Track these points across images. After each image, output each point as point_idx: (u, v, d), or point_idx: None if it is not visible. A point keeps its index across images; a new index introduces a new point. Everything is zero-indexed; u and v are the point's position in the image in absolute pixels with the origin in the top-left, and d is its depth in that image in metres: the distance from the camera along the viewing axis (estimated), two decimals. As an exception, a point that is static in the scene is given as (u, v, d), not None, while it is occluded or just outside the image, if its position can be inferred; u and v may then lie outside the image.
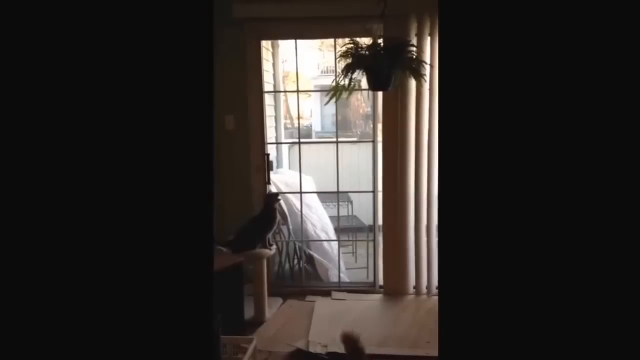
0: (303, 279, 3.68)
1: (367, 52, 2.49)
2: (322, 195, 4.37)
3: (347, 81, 2.51)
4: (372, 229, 3.74)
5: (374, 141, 3.51)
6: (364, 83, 2.69)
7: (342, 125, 6.86)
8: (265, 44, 3.72)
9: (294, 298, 3.37)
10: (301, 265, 3.77)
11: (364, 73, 2.54)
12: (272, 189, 3.51)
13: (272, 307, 3.18)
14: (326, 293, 3.42)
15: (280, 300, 3.32)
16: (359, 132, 7.70)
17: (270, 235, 3.13)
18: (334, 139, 3.73)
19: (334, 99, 2.68)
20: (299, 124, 4.24)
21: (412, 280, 3.37)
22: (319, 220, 3.94)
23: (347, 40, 2.58)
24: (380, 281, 3.49)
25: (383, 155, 3.32)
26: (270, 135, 3.72)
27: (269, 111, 3.67)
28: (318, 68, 8.14)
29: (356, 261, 4.40)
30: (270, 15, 3.16)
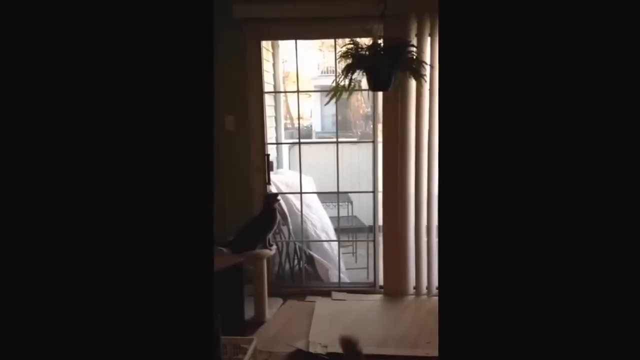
0: (303, 279, 3.68)
1: (367, 53, 2.49)
2: (322, 195, 4.37)
3: (347, 81, 2.51)
4: (372, 229, 3.74)
5: (374, 141, 3.51)
6: (364, 83, 2.69)
7: (342, 126, 6.87)
8: (266, 44, 3.72)
9: (294, 298, 3.37)
10: (301, 266, 3.77)
11: (364, 73, 2.54)
12: (273, 189, 3.51)
13: (273, 308, 3.18)
14: (326, 293, 3.42)
15: (280, 300, 3.32)
16: (359, 133, 7.70)
17: (270, 235, 3.13)
18: (334, 139, 3.73)
19: (334, 100, 2.68)
20: (299, 124, 4.24)
21: (412, 281, 3.37)
22: (319, 220, 3.94)
23: (347, 40, 2.58)
24: (381, 281, 3.49)
25: (383, 155, 3.32)
26: (270, 135, 3.72)
27: (269, 111, 3.67)
28: (318, 68, 8.14)
29: (356, 261, 4.40)
30: (270, 15, 3.17)
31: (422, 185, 3.26)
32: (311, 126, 8.44)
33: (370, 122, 3.76)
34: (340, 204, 3.92)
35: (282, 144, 4.53)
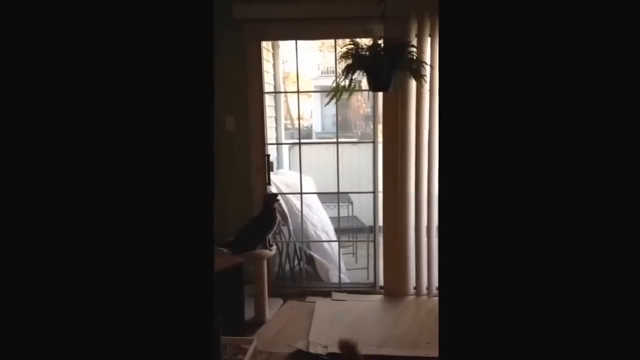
0: (303, 279, 3.68)
1: (367, 53, 2.49)
2: (323, 195, 4.36)
3: (347, 82, 2.51)
4: (372, 229, 3.74)
5: (374, 142, 3.51)
6: (365, 84, 2.69)
7: (342, 126, 6.87)
8: (266, 45, 3.72)
9: (294, 299, 3.37)
10: (301, 266, 3.77)
11: (365, 74, 2.54)
12: (273, 189, 3.51)
13: (273, 308, 3.18)
14: (326, 294, 3.42)
15: (280, 301, 3.32)
16: (359, 133, 7.70)
17: (270, 235, 3.13)
18: (335, 140, 3.73)
19: (334, 100, 2.68)
20: (299, 124, 4.24)
21: (412, 281, 3.37)
22: (319, 220, 3.94)
23: (347, 41, 2.58)
24: (381, 282, 3.49)
25: (383, 156, 3.32)
26: (270, 136, 3.72)
27: (269, 112, 3.67)
28: (318, 69, 8.15)
29: (356, 262, 4.40)
30: (270, 16, 3.17)
31: (422, 185, 3.26)
32: (311, 126, 8.45)
33: (371, 123, 3.76)
34: (341, 204, 3.92)
35: (282, 144, 4.53)
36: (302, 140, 3.86)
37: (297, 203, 3.74)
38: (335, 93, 2.62)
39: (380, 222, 3.45)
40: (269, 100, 3.75)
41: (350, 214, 4.69)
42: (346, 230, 4.38)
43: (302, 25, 3.25)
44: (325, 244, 3.84)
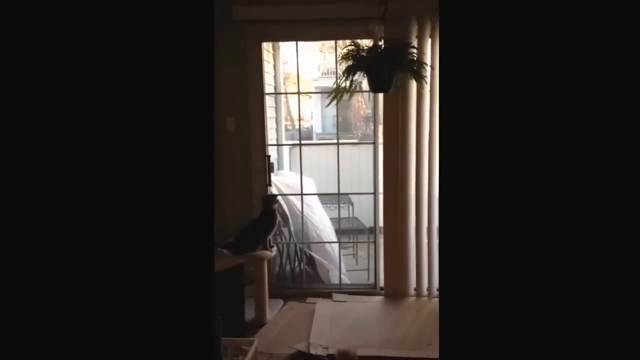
0: (304, 280, 3.67)
1: (368, 54, 2.49)
2: (323, 197, 4.36)
3: (348, 83, 2.51)
4: (373, 230, 3.74)
5: (374, 143, 3.50)
6: (365, 85, 2.69)
7: (343, 127, 6.87)
8: (266, 46, 3.72)
9: (294, 300, 3.36)
10: (302, 267, 3.76)
11: (365, 75, 2.54)
12: (273, 190, 3.51)
13: (273, 309, 3.18)
14: (327, 295, 3.42)
15: (281, 302, 3.32)
16: (359, 134, 7.71)
17: (270, 237, 3.13)
18: (335, 141, 3.73)
19: (335, 101, 2.68)
20: (299, 125, 4.24)
21: (413, 282, 3.37)
22: (320, 221, 3.94)
23: (348, 42, 2.58)
24: (381, 283, 3.49)
25: (384, 156, 3.32)
26: (271, 136, 3.71)
27: (269, 113, 3.67)
28: (319, 70, 8.16)
29: (357, 263, 4.39)
30: (270, 17, 3.17)
31: (423, 186, 3.25)
32: (312, 127, 8.46)
33: (371, 124, 3.76)
34: (341, 205, 3.92)
35: (282, 145, 4.53)
36: (302, 141, 3.86)
37: (298, 204, 3.74)
38: (336, 94, 2.62)
39: (381, 223, 3.45)
40: (269, 101, 3.75)
41: (351, 215, 4.69)
42: (347, 231, 4.38)
43: (302, 26, 3.25)
44: (326, 245, 3.84)
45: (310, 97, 8.14)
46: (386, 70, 2.48)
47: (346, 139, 6.53)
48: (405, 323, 2.99)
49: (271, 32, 3.35)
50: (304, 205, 3.74)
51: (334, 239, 3.97)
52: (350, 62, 2.49)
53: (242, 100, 3.30)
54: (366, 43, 2.67)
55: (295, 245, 3.78)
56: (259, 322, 3.01)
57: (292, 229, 3.73)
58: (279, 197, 3.46)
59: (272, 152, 3.66)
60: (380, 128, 3.43)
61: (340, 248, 3.87)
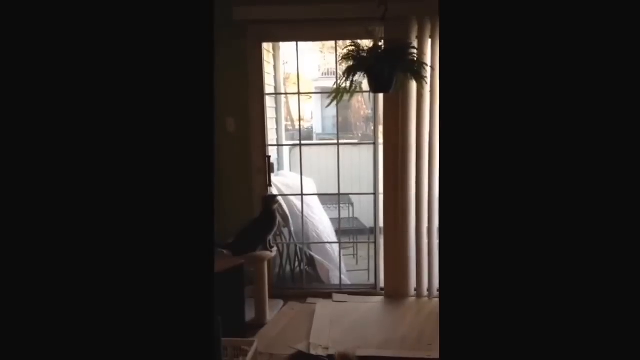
0: (304, 281, 3.67)
1: (368, 55, 2.49)
2: (323, 197, 4.36)
3: (348, 83, 2.51)
4: (373, 231, 3.74)
5: (374, 143, 3.51)
6: (365, 85, 2.69)
7: (343, 127, 6.87)
8: (266, 46, 3.72)
9: (295, 300, 3.36)
10: (302, 268, 3.76)
11: (365, 75, 2.54)
12: (274, 191, 3.51)
13: (273, 310, 3.18)
14: (327, 295, 3.42)
15: (281, 302, 3.32)
16: (359, 134, 7.71)
17: (270, 237, 3.13)
18: (335, 141, 3.73)
19: (335, 102, 2.68)
20: (300, 126, 4.24)
21: (413, 283, 3.37)
22: (320, 222, 3.94)
23: (348, 42, 2.58)
24: (381, 283, 3.49)
25: (384, 157, 3.32)
26: (271, 137, 3.72)
27: (270, 113, 3.67)
28: (319, 70, 8.16)
29: (357, 263, 4.39)
30: (271, 17, 3.17)
31: (423, 186, 3.25)
32: (312, 128, 8.45)
33: (371, 124, 3.76)
34: (341, 205, 3.92)
35: (283, 145, 4.53)
36: (302, 142, 3.86)
37: (298, 204, 3.74)
38: (336, 94, 2.63)
39: (381, 224, 3.45)
40: (269, 101, 3.75)
41: (351, 216, 4.69)
42: (347, 231, 4.38)
43: (302, 27, 3.25)
44: (327, 246, 3.84)
45: (311, 97, 8.14)
46: (386, 71, 2.48)
47: (346, 139, 6.53)
48: (405, 323, 2.99)
49: (271, 33, 3.35)
50: (304, 206, 3.74)
51: (334, 239, 3.97)
52: (350, 63, 2.49)
53: (242, 101, 3.30)
54: (366, 43, 2.67)
55: (296, 246, 3.78)
56: (259, 323, 3.01)
57: (292, 229, 3.73)
58: (279, 198, 3.47)
59: (272, 152, 3.66)
60: (380, 128, 3.43)
61: (340, 248, 3.87)
